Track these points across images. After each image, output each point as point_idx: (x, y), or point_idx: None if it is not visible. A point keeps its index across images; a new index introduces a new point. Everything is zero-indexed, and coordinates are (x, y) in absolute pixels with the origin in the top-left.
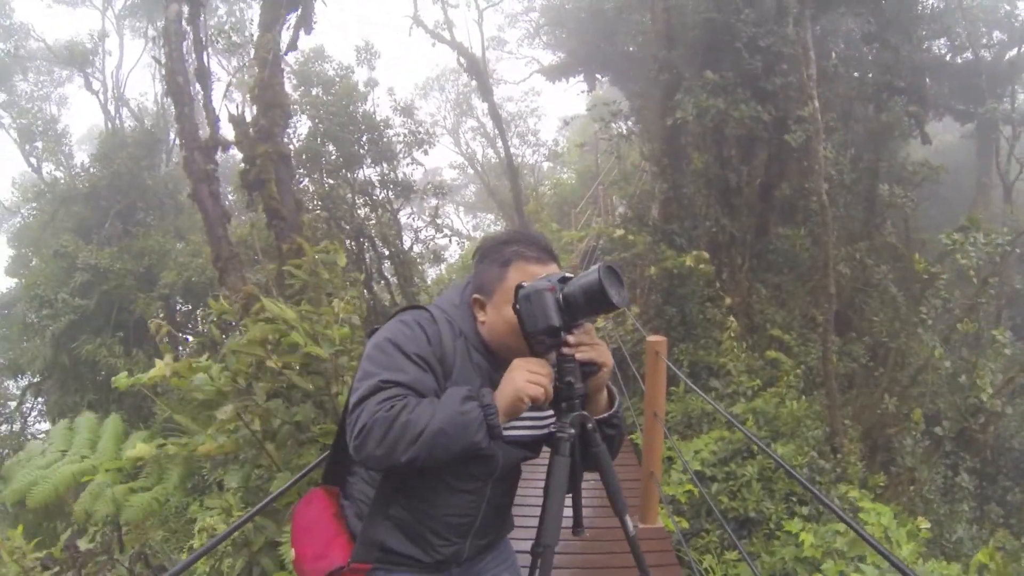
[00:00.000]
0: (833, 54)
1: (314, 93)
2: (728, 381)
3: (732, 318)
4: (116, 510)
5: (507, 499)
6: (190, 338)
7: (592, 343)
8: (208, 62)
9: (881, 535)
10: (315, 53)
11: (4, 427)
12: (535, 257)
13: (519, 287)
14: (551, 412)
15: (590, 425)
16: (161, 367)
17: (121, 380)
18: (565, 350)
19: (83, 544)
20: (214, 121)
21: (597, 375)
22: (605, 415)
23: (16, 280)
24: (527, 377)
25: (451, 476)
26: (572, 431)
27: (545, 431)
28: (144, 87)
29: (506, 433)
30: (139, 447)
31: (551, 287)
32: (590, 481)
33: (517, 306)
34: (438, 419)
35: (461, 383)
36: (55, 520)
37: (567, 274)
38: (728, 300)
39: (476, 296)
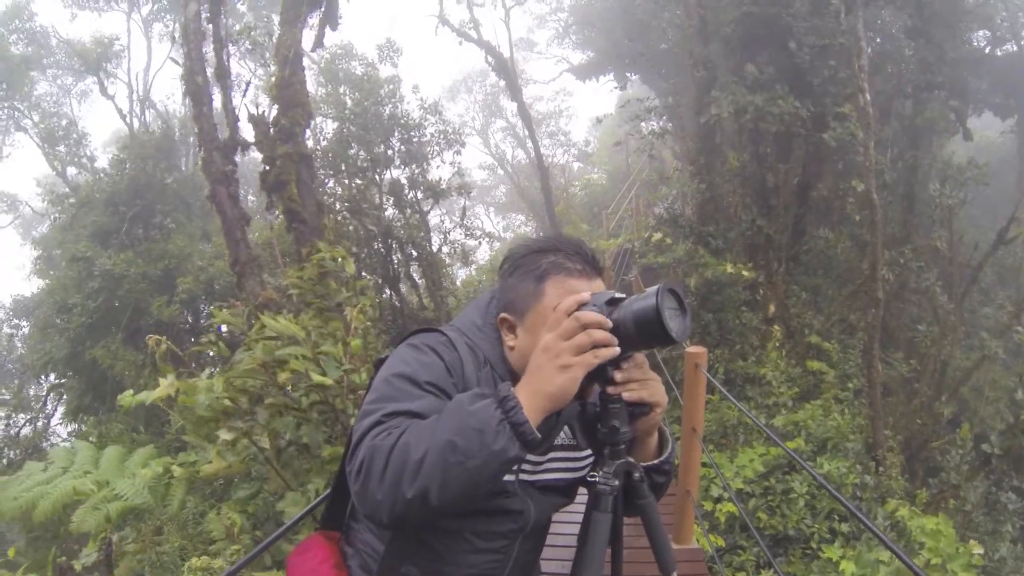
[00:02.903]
0: (869, 49)
1: (341, 91)
2: (768, 391)
3: (776, 327)
4: (108, 526)
5: (536, 554)
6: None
7: (643, 379)
8: (228, 61)
9: (938, 561)
10: (343, 51)
11: (28, 428)
12: (578, 271)
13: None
14: (589, 452)
15: (637, 475)
16: (165, 387)
17: (126, 399)
18: (610, 389)
19: (78, 564)
20: (233, 121)
21: (648, 417)
22: (655, 462)
23: (43, 281)
24: (556, 344)
25: (472, 533)
26: (616, 483)
27: (582, 473)
28: (171, 89)
29: (537, 477)
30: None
31: None
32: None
33: None
34: (444, 429)
35: None
36: (60, 536)
37: (617, 294)
38: (772, 308)
39: (504, 315)
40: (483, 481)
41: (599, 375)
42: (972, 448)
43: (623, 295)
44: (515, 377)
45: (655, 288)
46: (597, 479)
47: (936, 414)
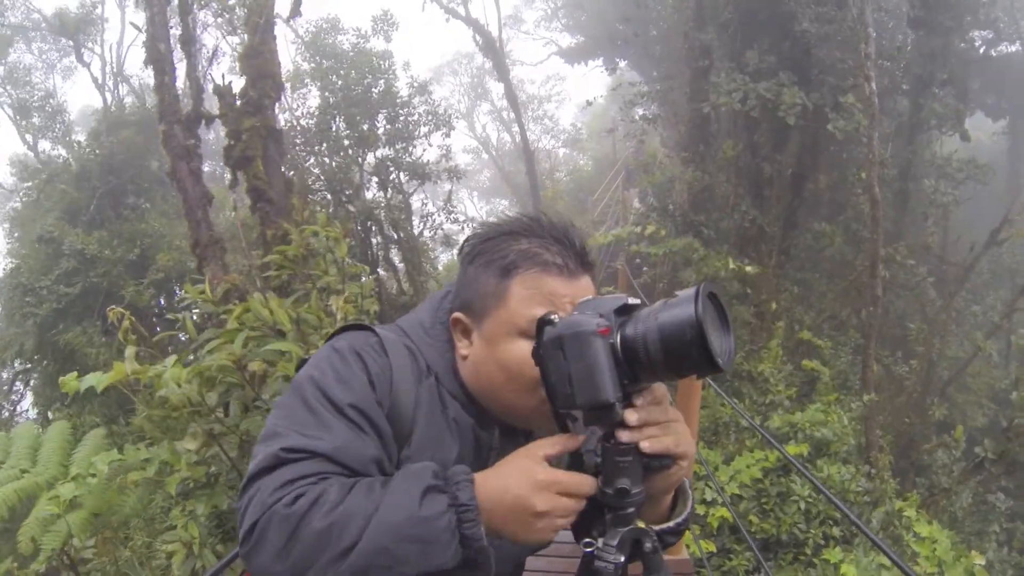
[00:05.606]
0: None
1: (325, 66)
2: (764, 389)
3: (782, 323)
4: (66, 541)
5: None
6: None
7: (666, 421)
8: (195, 28)
9: (934, 570)
10: (330, 24)
11: None
12: (557, 265)
13: (544, 321)
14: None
15: (649, 545)
16: (119, 370)
17: (70, 383)
18: (623, 436)
19: (29, 572)
20: (198, 92)
21: (668, 472)
22: (669, 525)
23: (12, 261)
24: (544, 505)
25: None
26: (621, 558)
27: None
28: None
29: None
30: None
31: (603, 327)
32: None
33: (540, 353)
34: (380, 527)
35: (426, 452)
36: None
37: (631, 299)
38: (774, 306)
39: (458, 315)
40: None
41: (603, 416)
42: (964, 451)
43: (637, 300)
44: (467, 392)
45: (690, 292)
46: (594, 551)
47: (925, 413)
